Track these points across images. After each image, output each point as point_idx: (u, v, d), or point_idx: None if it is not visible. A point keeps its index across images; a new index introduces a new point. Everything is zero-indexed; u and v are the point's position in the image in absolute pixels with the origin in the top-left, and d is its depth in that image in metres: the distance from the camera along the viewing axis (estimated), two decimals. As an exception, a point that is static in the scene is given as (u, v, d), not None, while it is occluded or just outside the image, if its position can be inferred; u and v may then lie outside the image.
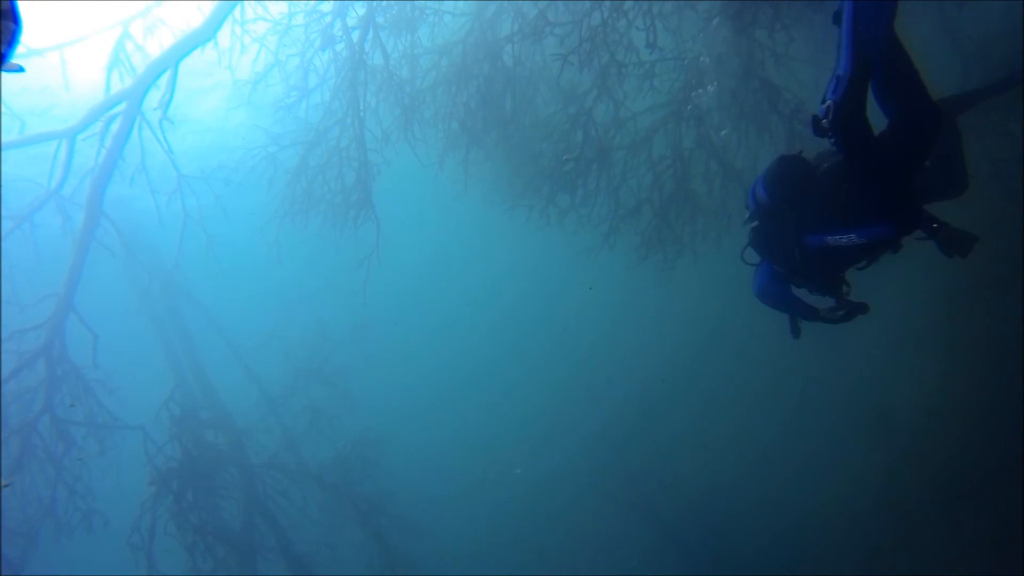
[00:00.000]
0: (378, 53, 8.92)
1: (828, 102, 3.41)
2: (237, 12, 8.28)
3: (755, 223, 4.61)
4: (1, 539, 8.55)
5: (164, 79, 7.76)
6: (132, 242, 9.86)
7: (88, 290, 10.99)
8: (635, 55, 8.56)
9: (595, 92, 9.28)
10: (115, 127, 7.74)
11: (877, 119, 3.65)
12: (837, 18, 3.40)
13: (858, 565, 10.34)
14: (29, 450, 8.25)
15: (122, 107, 7.70)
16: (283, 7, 8.91)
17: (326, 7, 8.86)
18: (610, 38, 8.17)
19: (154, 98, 8.70)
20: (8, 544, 9.67)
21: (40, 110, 10.11)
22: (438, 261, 15.29)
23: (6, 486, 8.11)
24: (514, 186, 11.05)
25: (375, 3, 8.70)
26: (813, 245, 4.02)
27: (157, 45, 8.94)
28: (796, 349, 5.42)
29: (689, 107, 9.68)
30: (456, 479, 14.37)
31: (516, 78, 9.67)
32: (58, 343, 8.40)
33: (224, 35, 8.56)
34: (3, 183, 8.94)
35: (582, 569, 14.20)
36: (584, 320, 15.55)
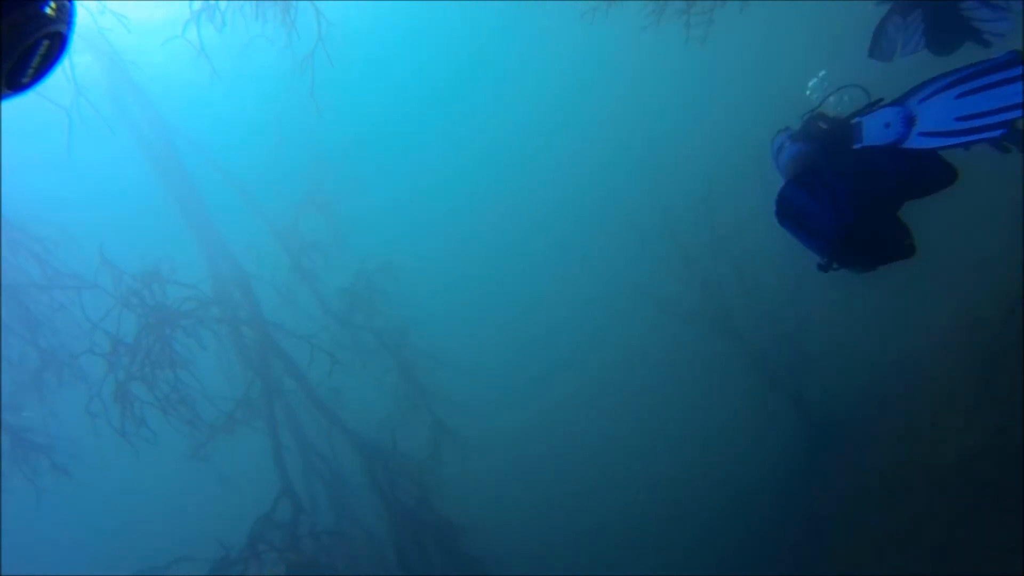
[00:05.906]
0: None
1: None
2: None
3: None
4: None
5: None
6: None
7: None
8: None
9: None
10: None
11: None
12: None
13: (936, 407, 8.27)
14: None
15: None
16: None
17: None
18: None
19: None
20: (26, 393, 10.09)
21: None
22: (418, 53, 12.78)
23: None
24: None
25: None
26: None
27: None
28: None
29: None
30: (485, 309, 13.11)
31: None
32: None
33: None
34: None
35: (647, 387, 13.09)
36: (611, 104, 12.81)
